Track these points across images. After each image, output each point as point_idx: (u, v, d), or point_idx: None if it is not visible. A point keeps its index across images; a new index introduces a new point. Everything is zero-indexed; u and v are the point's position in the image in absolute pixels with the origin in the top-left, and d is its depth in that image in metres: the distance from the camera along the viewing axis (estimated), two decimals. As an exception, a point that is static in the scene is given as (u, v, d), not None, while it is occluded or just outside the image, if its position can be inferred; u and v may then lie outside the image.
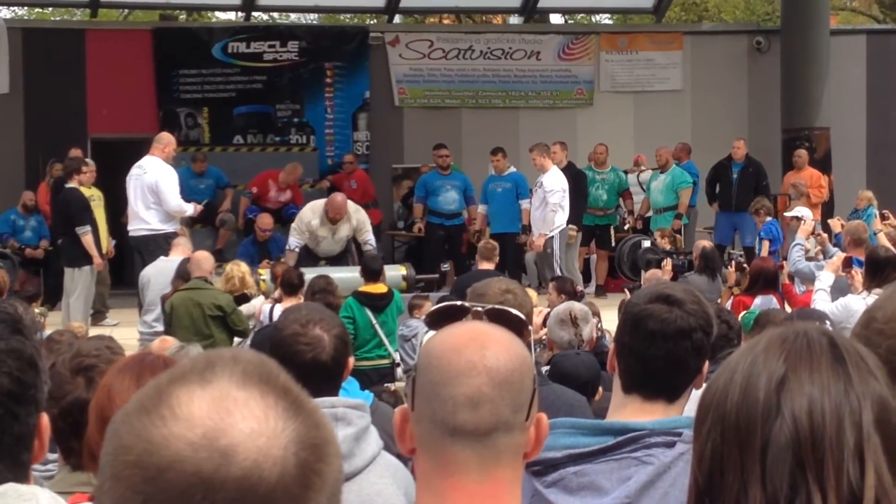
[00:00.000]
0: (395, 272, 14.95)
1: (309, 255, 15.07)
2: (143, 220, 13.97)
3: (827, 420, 1.67)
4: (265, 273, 14.66)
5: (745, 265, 12.96)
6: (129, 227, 14.25)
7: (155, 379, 1.43)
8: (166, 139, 14.44)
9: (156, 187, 13.88)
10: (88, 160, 16.84)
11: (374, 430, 3.80)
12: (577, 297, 11.23)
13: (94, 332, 12.45)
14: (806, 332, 1.77)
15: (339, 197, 15.62)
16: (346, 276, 14.41)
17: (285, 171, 19.39)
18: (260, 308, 12.12)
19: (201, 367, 1.42)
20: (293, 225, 15.55)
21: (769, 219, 16.29)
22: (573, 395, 5.95)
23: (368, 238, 15.31)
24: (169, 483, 1.34)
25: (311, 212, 15.29)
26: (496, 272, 12.57)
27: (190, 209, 14.44)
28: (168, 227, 13.97)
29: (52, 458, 3.68)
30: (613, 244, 18.50)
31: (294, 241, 15.26)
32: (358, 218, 15.30)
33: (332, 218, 15.12)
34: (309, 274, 14.38)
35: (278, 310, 11.10)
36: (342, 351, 3.89)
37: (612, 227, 19.12)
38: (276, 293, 12.07)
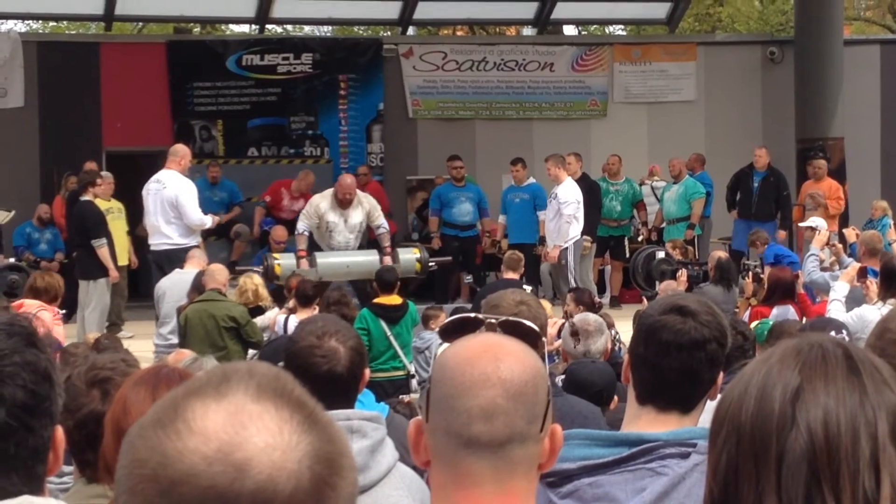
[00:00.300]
0: (409, 255, 14.88)
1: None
2: (165, 234, 13.89)
3: (842, 431, 1.67)
4: (280, 258, 14.63)
5: (762, 276, 12.94)
6: (151, 242, 14.16)
7: (171, 392, 1.43)
8: (182, 151, 14.40)
9: (176, 202, 13.82)
10: (106, 173, 16.90)
11: (389, 442, 3.79)
12: (595, 308, 11.22)
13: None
14: (821, 344, 1.77)
15: (348, 178, 15.26)
16: (364, 259, 14.37)
17: (297, 179, 19.41)
18: (274, 319, 12.14)
19: (217, 381, 1.43)
20: (303, 211, 15.28)
21: (765, 248, 16.26)
22: (587, 406, 5.95)
23: (381, 222, 14.97)
24: (183, 497, 1.34)
25: (321, 196, 14.93)
26: (519, 282, 12.60)
27: (209, 222, 14.44)
28: (190, 242, 13.89)
29: (67, 470, 3.69)
30: (628, 255, 18.48)
31: (302, 225, 14.83)
32: (369, 202, 14.95)
33: (342, 199, 14.70)
34: (322, 258, 14.37)
35: (293, 321, 11.12)
36: (358, 363, 3.87)
37: (626, 238, 19.10)
38: (291, 303, 12.09)
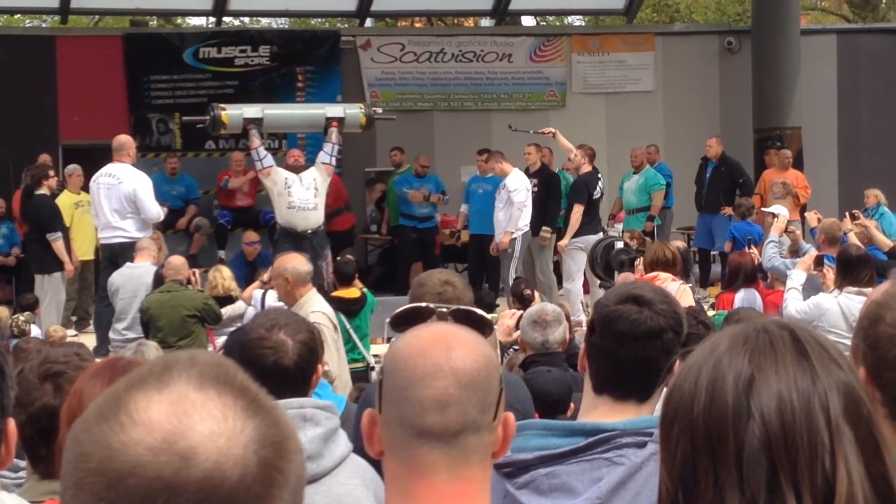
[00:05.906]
0: (355, 110, 15.38)
1: (287, 235, 14.81)
2: (121, 228, 13.64)
3: (797, 418, 1.66)
4: (227, 107, 14.82)
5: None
6: (103, 236, 13.94)
7: (113, 385, 1.43)
8: (129, 143, 14.17)
9: (134, 196, 13.63)
10: (74, 165, 16.82)
11: (342, 431, 3.79)
12: (526, 300, 11.15)
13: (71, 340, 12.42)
14: (766, 328, 1.76)
15: (295, 151, 16.50)
16: (310, 112, 15.42)
17: (231, 165, 19.53)
18: (251, 294, 12.15)
19: (158, 371, 1.42)
20: None
21: (741, 221, 16.24)
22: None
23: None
24: (130, 489, 1.33)
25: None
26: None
27: (163, 214, 14.40)
28: (147, 234, 13.82)
29: (22, 465, 3.66)
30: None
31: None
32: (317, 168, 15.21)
33: (292, 166, 15.39)
34: (270, 110, 15.02)
35: (271, 296, 11.14)
36: (307, 357, 3.85)
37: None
38: (265, 276, 12.03)
